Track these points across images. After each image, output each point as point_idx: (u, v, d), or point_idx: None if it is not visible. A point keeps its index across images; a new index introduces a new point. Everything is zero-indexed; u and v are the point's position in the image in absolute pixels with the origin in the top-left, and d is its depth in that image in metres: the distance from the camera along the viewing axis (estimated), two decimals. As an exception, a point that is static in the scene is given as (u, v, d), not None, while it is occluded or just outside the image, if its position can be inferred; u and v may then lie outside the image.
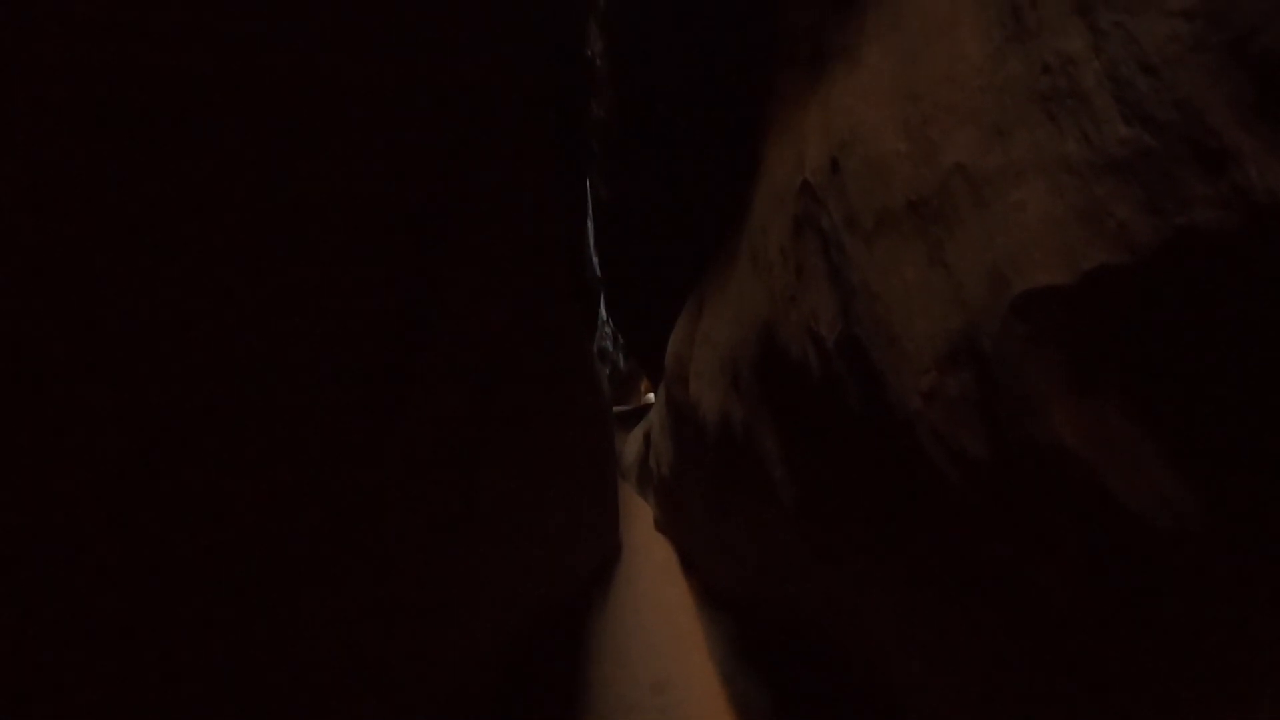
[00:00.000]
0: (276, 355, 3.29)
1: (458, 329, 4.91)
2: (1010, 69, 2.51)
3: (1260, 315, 1.67)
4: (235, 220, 3.03)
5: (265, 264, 3.19)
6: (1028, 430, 2.38)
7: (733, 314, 6.11)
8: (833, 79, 4.17)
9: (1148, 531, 2.05)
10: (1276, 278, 1.62)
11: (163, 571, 2.77)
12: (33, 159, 2.32)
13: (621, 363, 28.32)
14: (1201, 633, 2.06)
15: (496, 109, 5.62)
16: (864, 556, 4.10)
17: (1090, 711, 2.64)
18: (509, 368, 5.93)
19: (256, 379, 3.18)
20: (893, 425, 3.24)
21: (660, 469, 11.00)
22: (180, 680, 2.85)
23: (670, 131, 10.66)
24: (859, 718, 5.30)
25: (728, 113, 8.80)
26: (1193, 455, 1.89)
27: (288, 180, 3.28)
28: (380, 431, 4.06)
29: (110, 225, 2.54)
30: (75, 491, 2.49)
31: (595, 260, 19.44)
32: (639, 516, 13.34)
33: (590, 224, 18.26)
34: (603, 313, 24.03)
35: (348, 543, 3.80)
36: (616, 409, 23.78)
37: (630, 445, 17.13)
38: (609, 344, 27.51)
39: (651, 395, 28.53)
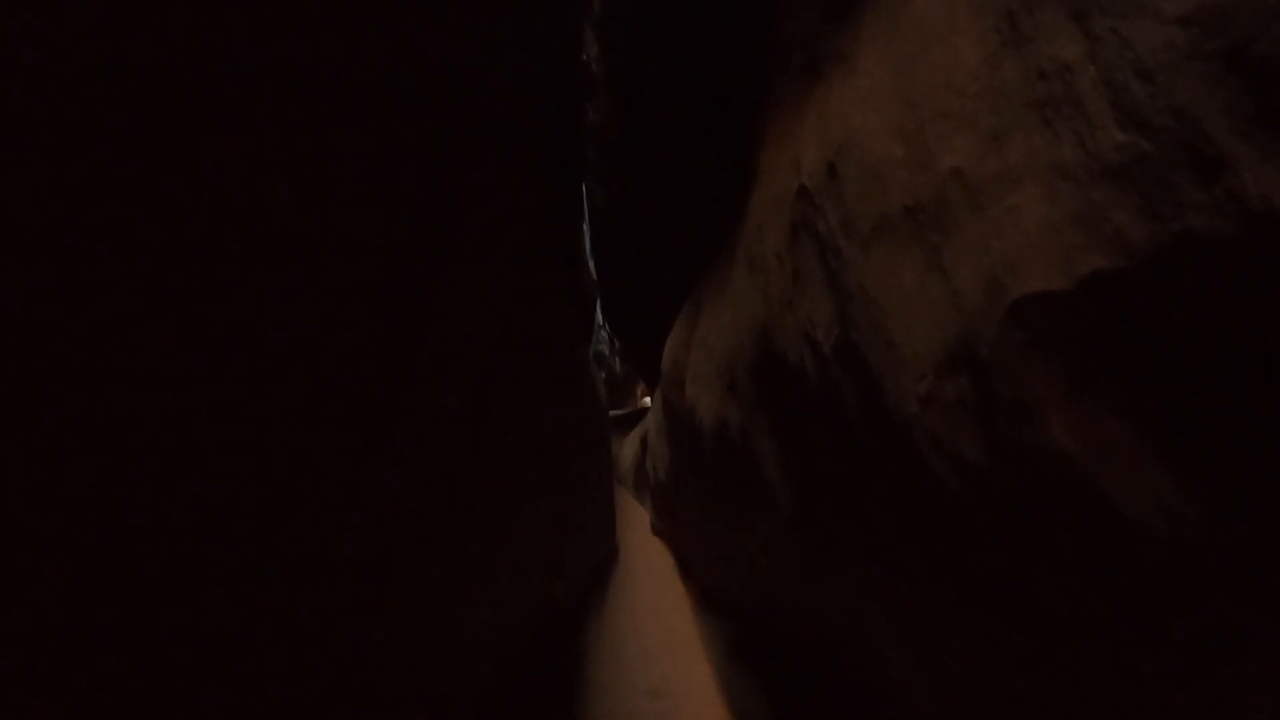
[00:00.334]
0: (269, 358, 3.28)
1: (453, 333, 4.91)
2: (1006, 75, 2.52)
3: (1257, 321, 1.67)
4: (230, 224, 3.02)
5: (259, 267, 3.18)
6: (1025, 435, 2.38)
7: (729, 318, 6.12)
8: (829, 85, 4.19)
9: (1146, 538, 2.05)
10: (1272, 284, 1.62)
11: (158, 572, 2.76)
12: (34, 170, 2.32)
13: (618, 367, 28.37)
14: (1201, 640, 2.07)
15: (492, 114, 5.62)
16: (861, 561, 4.10)
17: (1088, 717, 2.65)
18: (505, 372, 5.94)
19: (249, 379, 3.17)
20: (890, 430, 3.25)
21: (657, 473, 11.01)
22: (175, 680, 2.84)
23: (666, 137, 10.68)
24: (856, 722, 5.30)
25: (724, 118, 8.83)
26: (1190, 462, 1.90)
27: (281, 185, 3.28)
28: (376, 435, 4.05)
29: (108, 226, 2.54)
30: (71, 495, 2.48)
31: (591, 265, 19.46)
32: (635, 520, 13.35)
33: (586, 229, 18.28)
34: (599, 317, 24.07)
35: (342, 546, 3.80)
36: (613, 413, 23.80)
37: (627, 449, 17.16)
38: (605, 348, 27.56)
39: (648, 399, 28.54)
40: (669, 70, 9.99)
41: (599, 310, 21.53)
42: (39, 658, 2.40)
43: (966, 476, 2.74)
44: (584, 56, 13.52)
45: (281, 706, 3.40)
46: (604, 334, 27.07)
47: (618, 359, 28.08)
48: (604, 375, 27.15)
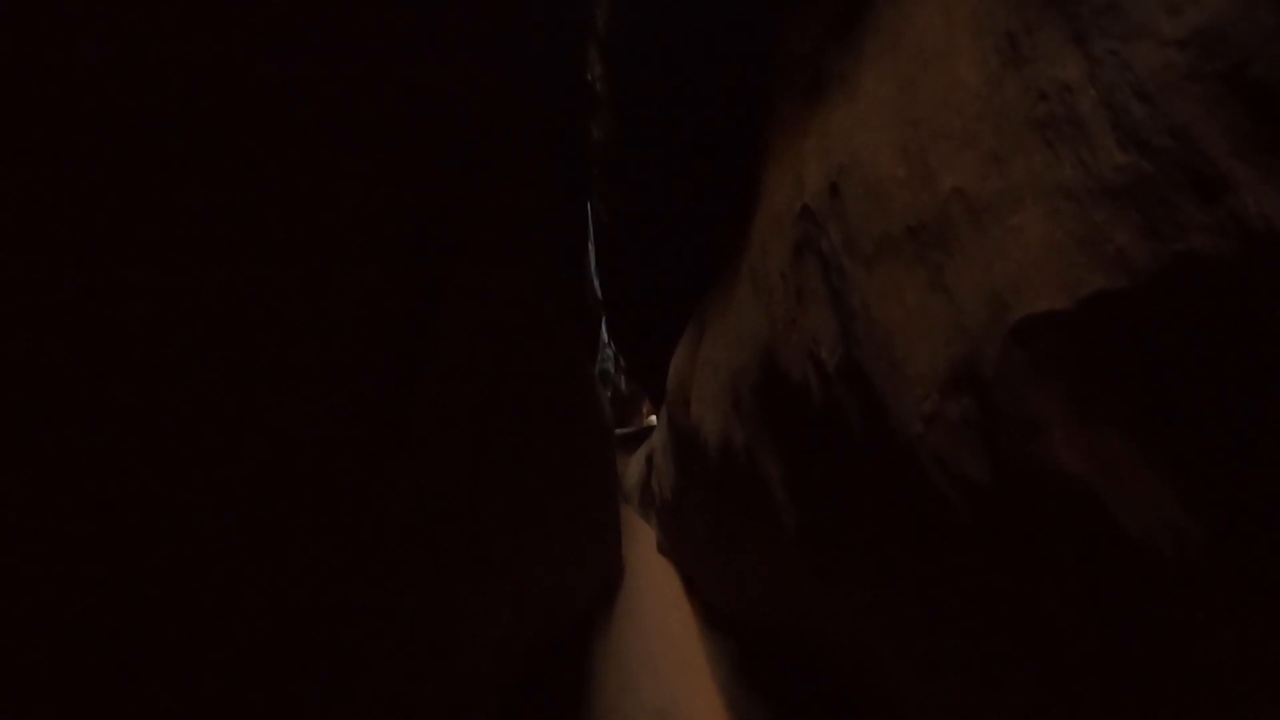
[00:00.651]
0: (273, 376, 3.30)
1: (457, 351, 4.92)
2: (1007, 95, 2.53)
3: (1260, 341, 1.67)
4: (249, 229, 3.05)
5: (269, 280, 3.20)
6: (1030, 455, 2.37)
7: (734, 337, 6.12)
8: (832, 104, 4.21)
9: (1152, 559, 2.04)
10: (1275, 304, 1.62)
11: (159, 581, 2.77)
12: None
13: (623, 385, 28.35)
14: (1207, 661, 2.05)
15: (496, 132, 5.66)
16: (867, 581, 4.08)
17: (1096, 738, 2.62)
18: (509, 390, 5.94)
19: (254, 395, 3.18)
20: (894, 449, 3.24)
21: (662, 491, 10.98)
22: (182, 697, 2.84)
23: (670, 155, 10.73)
24: (864, 743, 5.25)
25: (727, 136, 8.87)
26: (1196, 482, 1.89)
27: (290, 201, 3.30)
28: (381, 454, 4.06)
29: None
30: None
31: (596, 282, 19.50)
32: (641, 539, 13.30)
33: (591, 247, 18.33)
34: (604, 335, 24.08)
35: (346, 564, 3.79)
36: (618, 431, 23.76)
37: (633, 467, 17.11)
38: (610, 366, 27.54)
39: (654, 417, 28.50)
40: (673, 88, 10.06)
41: (604, 328, 21.55)
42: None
43: (971, 496, 2.73)
44: (589, 75, 13.60)
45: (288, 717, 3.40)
46: (609, 352, 27.07)
47: (623, 377, 28.07)
48: (609, 393, 27.14)
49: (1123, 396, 2.05)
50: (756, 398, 5.35)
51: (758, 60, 7.34)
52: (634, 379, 21.57)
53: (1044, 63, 2.36)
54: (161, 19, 2.66)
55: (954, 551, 3.04)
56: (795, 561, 5.24)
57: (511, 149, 6.01)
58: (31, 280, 2.33)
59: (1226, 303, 1.72)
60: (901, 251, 3.15)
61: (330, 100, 3.53)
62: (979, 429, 2.62)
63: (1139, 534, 2.06)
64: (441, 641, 4.99)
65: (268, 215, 3.19)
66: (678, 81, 9.85)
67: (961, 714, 3.52)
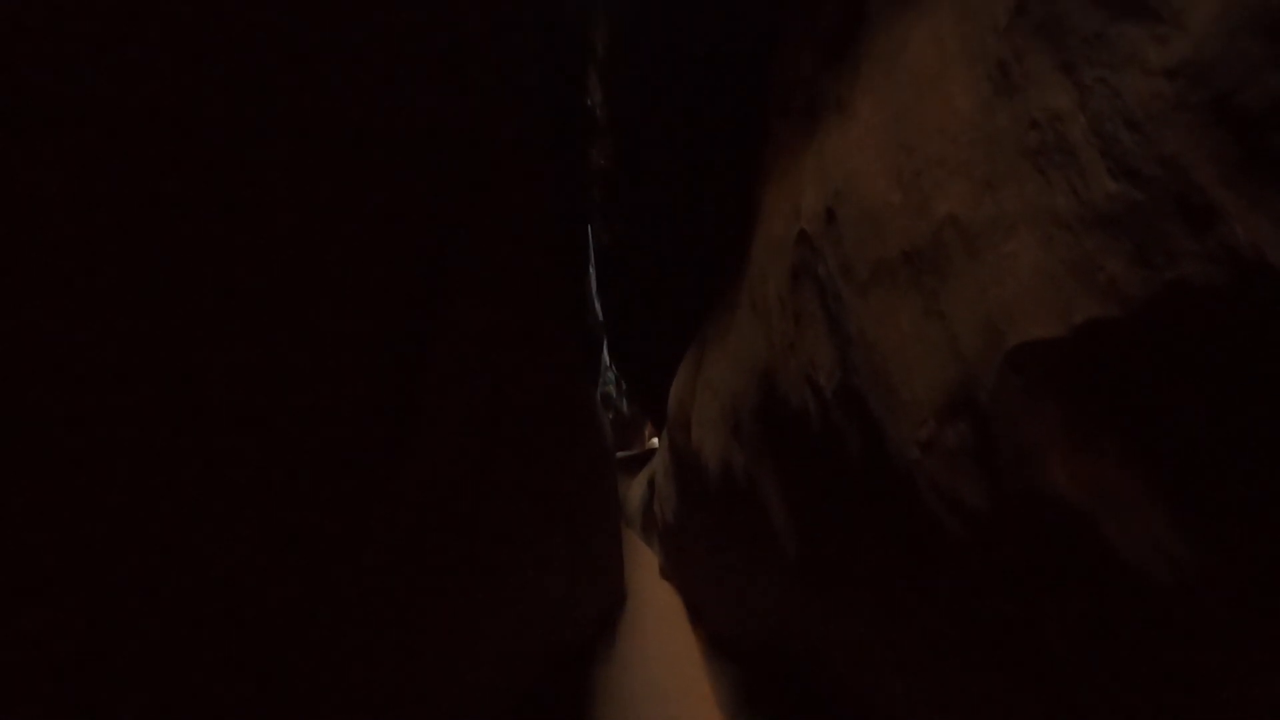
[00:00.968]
0: (278, 398, 3.30)
1: (459, 377, 4.92)
2: (999, 123, 2.54)
3: (1252, 369, 1.66)
4: (264, 249, 3.07)
5: (273, 298, 3.21)
6: (1026, 481, 2.36)
7: (733, 361, 6.12)
8: (827, 129, 4.23)
9: (1147, 583, 2.03)
10: (1266, 332, 1.62)
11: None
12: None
13: (625, 407, 28.31)
14: (1203, 686, 2.03)
15: (499, 159, 5.69)
16: (868, 605, 4.05)
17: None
18: (511, 412, 5.93)
19: (259, 423, 3.19)
20: (892, 475, 3.23)
21: (664, 515, 10.93)
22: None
23: (670, 179, 10.77)
24: (868, 771, 5.19)
25: (726, 160, 8.91)
26: (1191, 508, 1.88)
27: (299, 217, 3.32)
28: (382, 480, 4.05)
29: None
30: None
31: (597, 305, 19.54)
32: (644, 563, 13.23)
33: (592, 270, 18.38)
34: (605, 357, 24.10)
35: (349, 589, 3.77)
36: (620, 454, 23.71)
37: (635, 490, 17.05)
38: (612, 389, 27.53)
39: (656, 440, 28.45)
40: (671, 114, 10.12)
41: (605, 351, 21.57)
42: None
43: (968, 522, 2.71)
44: (588, 101, 13.70)
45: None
46: (611, 374, 27.08)
47: (625, 400, 28.04)
48: (611, 416, 27.11)
49: (1117, 424, 2.04)
50: (756, 422, 5.34)
51: (755, 85, 7.40)
52: (636, 402, 21.56)
53: (1035, 90, 2.36)
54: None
55: (953, 576, 3.02)
56: (797, 586, 5.21)
57: (513, 174, 6.04)
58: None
59: (1219, 331, 1.71)
60: (897, 277, 3.15)
61: (339, 124, 3.56)
62: (975, 456, 2.60)
63: (1135, 560, 2.04)
64: (441, 662, 4.96)
65: (278, 229, 3.21)
66: (676, 106, 9.91)
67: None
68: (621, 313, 15.39)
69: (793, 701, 6.61)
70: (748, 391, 5.49)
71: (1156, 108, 1.84)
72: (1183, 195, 1.76)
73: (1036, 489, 2.33)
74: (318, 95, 3.46)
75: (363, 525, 3.89)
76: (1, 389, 2.32)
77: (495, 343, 5.56)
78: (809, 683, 6.17)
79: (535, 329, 6.63)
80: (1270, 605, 1.77)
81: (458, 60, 4.91)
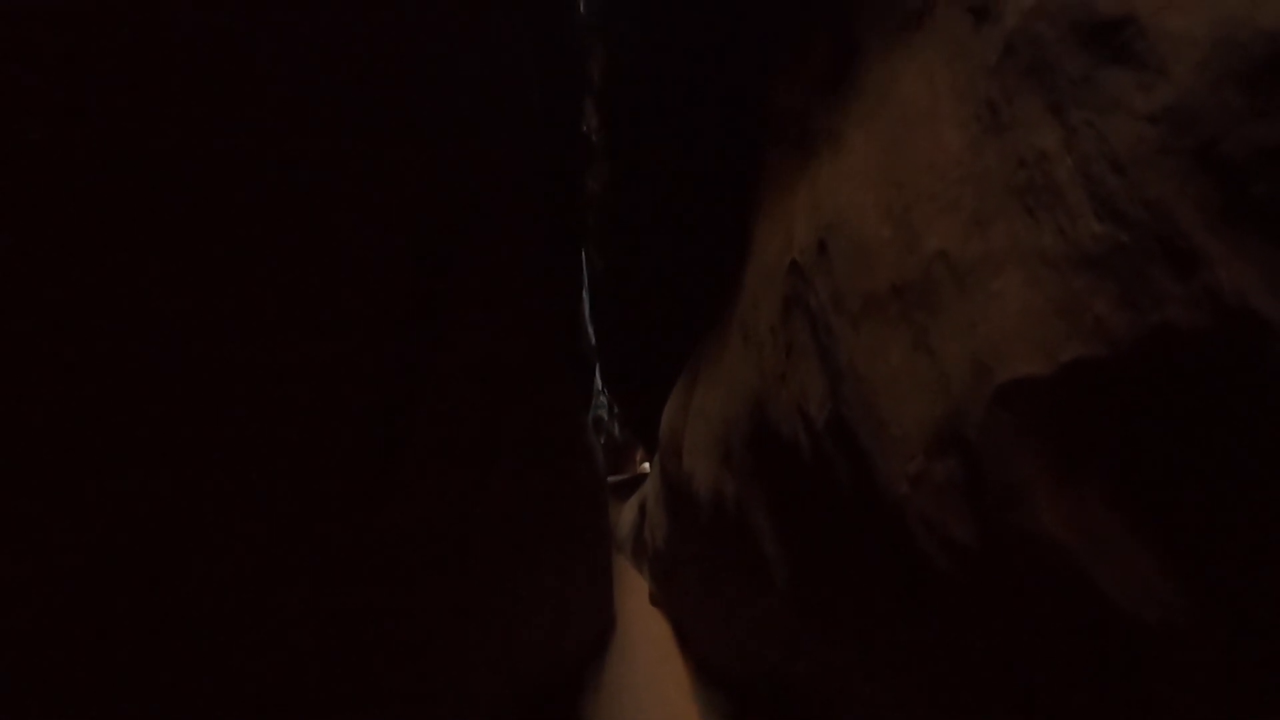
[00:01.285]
0: (266, 430, 3.29)
1: (451, 399, 4.92)
2: (988, 161, 2.57)
3: (1236, 411, 1.67)
4: (254, 277, 3.07)
5: (263, 336, 3.21)
6: (1014, 520, 2.36)
7: (725, 388, 6.13)
8: (820, 160, 4.26)
9: (1136, 626, 2.02)
10: (1250, 376, 1.63)
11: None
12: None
13: (617, 432, 28.26)
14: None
15: (494, 184, 5.72)
16: (858, 635, 4.03)
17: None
18: (502, 437, 5.92)
19: (244, 456, 3.17)
20: (882, 508, 3.22)
21: (655, 541, 10.89)
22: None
23: (664, 206, 10.83)
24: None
25: (720, 187, 8.96)
26: (1177, 551, 1.88)
27: (295, 243, 3.33)
28: (372, 507, 4.03)
29: (123, 291, 2.57)
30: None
31: (591, 330, 19.56)
32: (634, 589, 13.16)
33: (586, 295, 18.42)
34: (598, 382, 24.08)
35: (338, 620, 3.75)
36: (611, 479, 23.65)
37: (625, 515, 16.99)
38: (604, 413, 27.49)
39: (647, 465, 28.38)
40: (667, 141, 10.18)
41: (598, 375, 21.55)
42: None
43: (957, 558, 2.71)
44: (584, 127, 13.79)
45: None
46: (603, 399, 27.05)
47: (616, 424, 27.99)
48: (603, 440, 27.06)
49: (1104, 464, 2.05)
50: (747, 450, 5.34)
51: (750, 114, 7.46)
52: (627, 426, 21.54)
53: (1023, 130, 2.39)
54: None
55: (941, 610, 3.00)
56: (787, 615, 5.18)
57: (508, 199, 6.07)
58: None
59: (1203, 375, 1.73)
60: (887, 310, 3.17)
61: (335, 150, 3.58)
62: (964, 491, 2.60)
63: (1123, 602, 2.04)
64: (429, 691, 4.91)
65: (274, 254, 3.21)
66: (672, 134, 9.98)
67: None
68: (614, 337, 15.41)
69: (782, 732, 6.56)
70: (739, 420, 5.49)
71: (1141, 152, 1.87)
72: (1167, 239, 1.78)
73: (1024, 527, 2.33)
74: (312, 115, 3.49)
75: (351, 554, 3.86)
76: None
77: (489, 368, 5.56)
78: (798, 712, 6.12)
79: (528, 353, 6.63)
80: (1260, 652, 1.77)
81: (455, 86, 4.94)
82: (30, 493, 2.38)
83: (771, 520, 5.01)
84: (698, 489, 7.12)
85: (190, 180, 2.86)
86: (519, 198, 6.48)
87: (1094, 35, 2.12)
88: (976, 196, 2.62)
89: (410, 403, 4.44)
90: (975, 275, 2.57)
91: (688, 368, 8.90)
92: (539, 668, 7.57)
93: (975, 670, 2.91)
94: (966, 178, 2.70)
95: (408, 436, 4.41)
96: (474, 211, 5.29)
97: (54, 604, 2.45)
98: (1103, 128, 2.02)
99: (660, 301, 12.08)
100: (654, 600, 12.07)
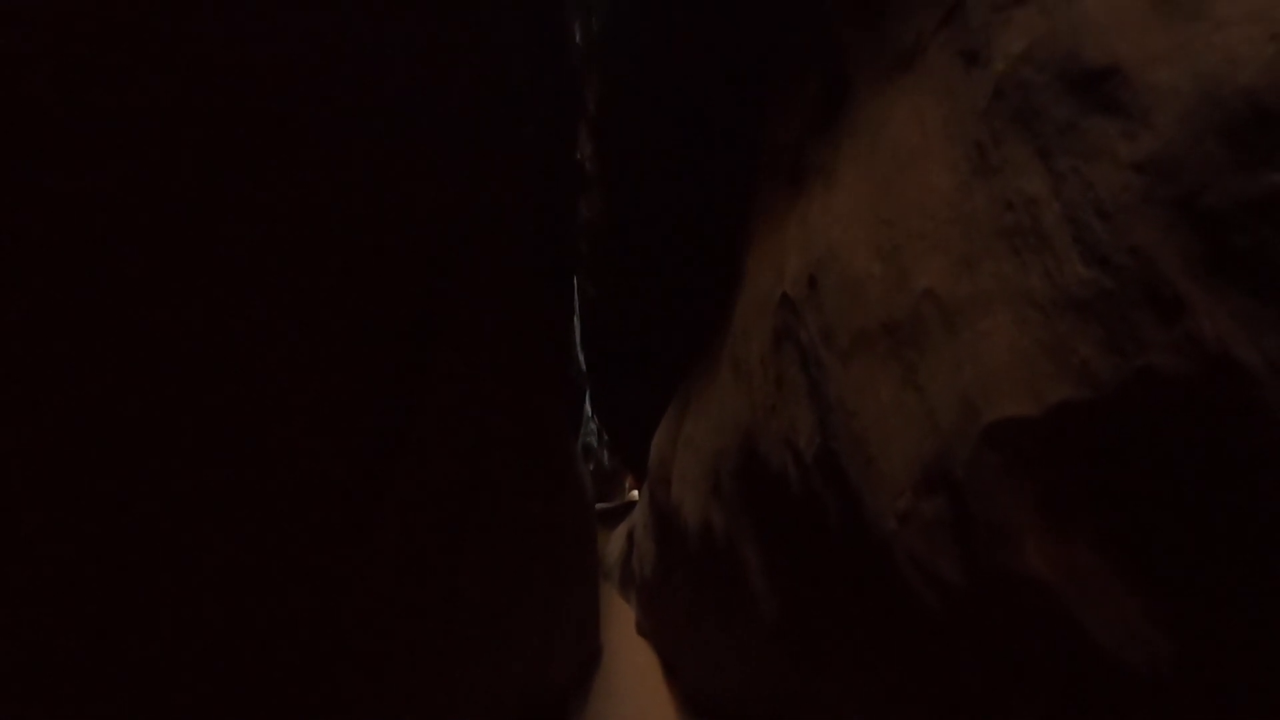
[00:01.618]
0: (250, 460, 3.27)
1: (439, 425, 4.90)
2: (976, 202, 2.61)
3: (1218, 459, 1.69)
4: (230, 321, 3.07)
5: (248, 366, 3.21)
6: (1001, 560, 2.37)
7: (715, 419, 6.14)
8: (811, 195, 4.31)
9: (1121, 669, 2.03)
10: (1233, 422, 1.65)
11: (145, 657, 2.70)
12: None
13: (605, 460, 28.17)
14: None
15: (486, 210, 5.74)
16: (845, 672, 4.01)
17: None
18: (491, 463, 5.90)
19: (223, 493, 3.16)
20: (870, 544, 3.23)
21: (643, 570, 10.84)
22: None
23: (657, 234, 10.89)
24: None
25: (713, 218, 9.03)
26: (1163, 596, 1.89)
27: (274, 283, 3.33)
28: (357, 535, 4.00)
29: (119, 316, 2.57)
30: (67, 578, 2.46)
31: (581, 357, 19.58)
32: (621, 619, 13.06)
33: (577, 321, 18.46)
34: (588, 409, 24.06)
35: (319, 646, 3.71)
36: (600, 506, 23.54)
37: (613, 544, 16.90)
38: (594, 440, 27.43)
39: (635, 493, 28.27)
40: (661, 170, 10.27)
41: (588, 402, 21.53)
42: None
43: (944, 597, 2.71)
44: (578, 154, 13.89)
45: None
46: (592, 426, 27.00)
47: (606, 451, 27.92)
48: (591, 467, 26.97)
49: (1090, 507, 2.06)
50: (736, 482, 5.34)
51: (744, 145, 7.54)
52: (617, 454, 21.49)
53: (1011, 174, 2.43)
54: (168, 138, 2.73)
55: (928, 648, 3.00)
56: (774, 647, 5.16)
57: (500, 225, 6.10)
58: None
59: (1187, 420, 1.75)
60: (876, 347, 3.19)
61: (321, 176, 3.60)
62: (952, 530, 2.61)
63: (1109, 645, 2.05)
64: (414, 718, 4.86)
65: (254, 284, 3.21)
66: (666, 163, 10.06)
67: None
68: (605, 365, 15.43)
69: (768, 766, 6.51)
70: (728, 451, 5.50)
71: (1126, 199, 1.90)
72: (1151, 285, 1.81)
73: (1011, 567, 2.34)
74: (303, 140, 3.51)
75: (336, 582, 3.84)
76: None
77: (477, 394, 5.55)
78: (785, 748, 6.08)
79: (518, 380, 6.63)
80: (1244, 696, 1.77)
81: (450, 109, 4.98)
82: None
83: (760, 553, 5.01)
84: (686, 519, 7.11)
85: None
86: (511, 224, 6.51)
87: (1080, 83, 2.16)
88: (965, 237, 2.65)
89: (400, 427, 4.43)
90: (964, 315, 2.59)
91: (678, 397, 8.91)
92: (523, 698, 7.49)
93: (963, 706, 2.90)
94: (955, 218, 2.73)
95: (396, 464, 4.39)
96: (464, 239, 5.31)
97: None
98: (1089, 174, 2.05)
99: (651, 330, 12.12)
100: (640, 629, 11.98)
